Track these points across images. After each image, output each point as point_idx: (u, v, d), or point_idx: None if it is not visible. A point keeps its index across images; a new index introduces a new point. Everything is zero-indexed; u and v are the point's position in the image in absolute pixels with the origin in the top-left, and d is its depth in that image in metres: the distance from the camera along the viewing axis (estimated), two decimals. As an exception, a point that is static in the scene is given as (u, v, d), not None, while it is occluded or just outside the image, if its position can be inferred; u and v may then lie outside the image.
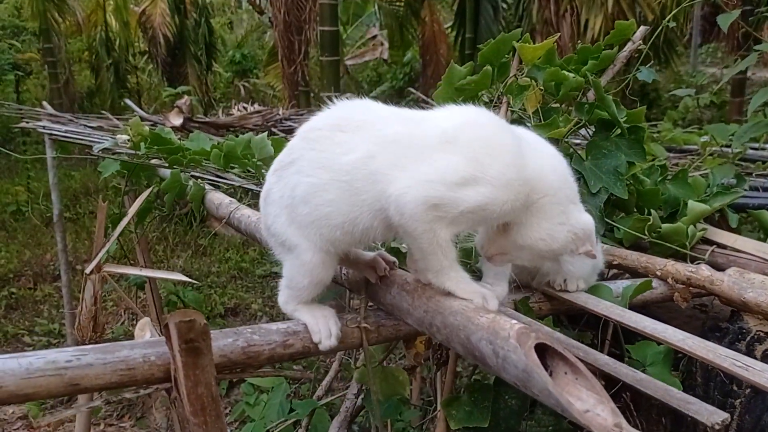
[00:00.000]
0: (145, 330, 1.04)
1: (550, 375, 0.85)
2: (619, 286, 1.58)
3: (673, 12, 2.56)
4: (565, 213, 1.10)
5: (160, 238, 8.49)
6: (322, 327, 1.15)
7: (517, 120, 1.94)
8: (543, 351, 0.88)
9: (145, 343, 1.01)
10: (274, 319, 7.13)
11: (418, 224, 1.01)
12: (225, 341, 1.06)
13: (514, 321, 0.92)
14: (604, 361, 1.08)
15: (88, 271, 1.25)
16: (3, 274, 7.67)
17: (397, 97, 13.05)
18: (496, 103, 2.00)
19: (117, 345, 0.99)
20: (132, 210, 1.33)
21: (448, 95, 1.99)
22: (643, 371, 1.43)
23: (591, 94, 2.01)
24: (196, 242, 8.76)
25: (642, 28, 2.08)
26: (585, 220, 1.12)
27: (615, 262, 1.75)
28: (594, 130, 1.92)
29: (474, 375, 1.95)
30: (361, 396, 2.09)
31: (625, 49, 2.07)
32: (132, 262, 5.40)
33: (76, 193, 10.14)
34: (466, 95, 1.98)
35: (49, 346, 6.29)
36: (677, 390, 1.05)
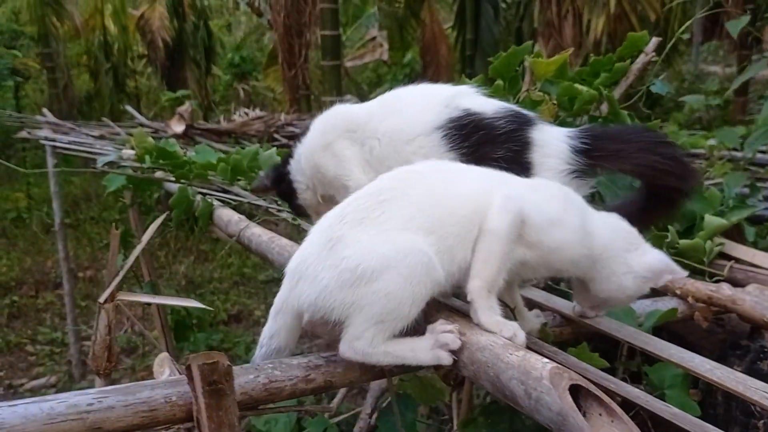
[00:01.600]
0: (164, 366, 1.01)
1: (584, 416, 0.83)
2: (639, 305, 1.56)
3: (677, 13, 2.53)
4: (626, 263, 1.16)
5: (162, 244, 8.46)
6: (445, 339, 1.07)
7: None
8: (575, 389, 0.86)
9: (166, 382, 0.98)
10: (277, 324, 7.11)
11: (504, 225, 1.08)
12: (246, 378, 1.04)
13: (545, 360, 0.90)
14: (636, 394, 1.05)
15: (101, 300, 1.23)
16: (4, 282, 7.65)
17: (397, 98, 13.01)
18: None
19: (138, 386, 0.97)
20: (145, 237, 1.30)
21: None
22: (661, 395, 1.42)
23: (604, 107, 1.99)
24: (197, 248, 8.74)
25: (654, 39, 2.06)
26: (649, 261, 1.18)
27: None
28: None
29: (489, 395, 1.93)
30: (375, 415, 2.07)
31: (637, 61, 2.04)
32: (134, 271, 5.39)
33: (76, 199, 10.11)
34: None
35: (52, 354, 6.27)
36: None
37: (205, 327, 5.50)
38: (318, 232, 1.14)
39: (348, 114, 1.49)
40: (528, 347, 1.26)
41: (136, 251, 1.33)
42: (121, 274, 1.26)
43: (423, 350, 1.07)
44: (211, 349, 5.58)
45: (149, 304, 3.20)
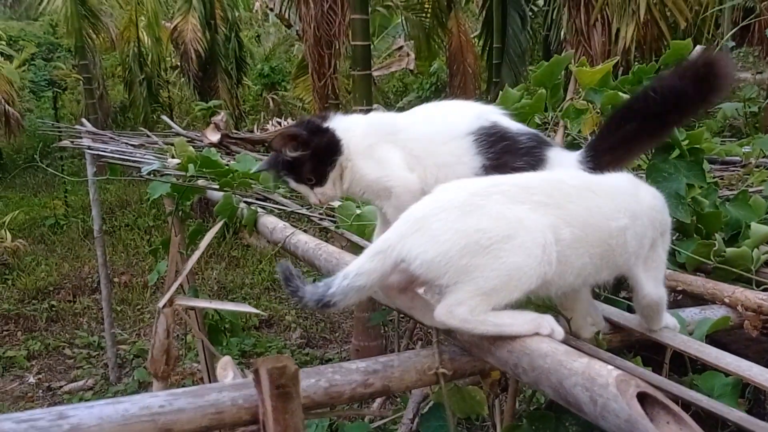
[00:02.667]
0: (227, 369, 1.05)
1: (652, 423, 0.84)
2: (687, 314, 1.56)
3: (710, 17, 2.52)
4: None
5: (194, 251, 8.59)
6: (544, 320, 1.10)
7: (573, 144, 1.93)
8: (641, 397, 0.87)
9: (232, 386, 1.01)
10: (307, 331, 7.20)
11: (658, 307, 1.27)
12: (308, 382, 1.06)
13: (610, 366, 0.91)
14: (696, 396, 1.06)
15: (160, 305, 1.27)
16: (43, 287, 7.84)
17: (424, 106, 13.03)
18: (550, 126, 1.99)
19: (205, 388, 1.00)
20: (203, 245, 1.34)
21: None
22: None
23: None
24: (229, 254, 8.86)
25: (699, 47, 2.05)
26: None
27: (679, 288, 1.72)
28: (653, 152, 1.90)
29: (533, 400, 1.94)
30: (416, 420, 2.09)
31: (681, 69, 2.03)
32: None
33: (111, 207, 10.33)
34: (521, 118, 1.97)
35: (89, 358, 6.40)
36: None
37: (238, 332, 5.57)
38: (454, 193, 1.14)
39: (389, 118, 1.59)
40: (584, 351, 1.27)
41: (194, 258, 1.37)
42: (180, 279, 1.31)
43: (523, 321, 1.09)
44: (243, 353, 5.65)
45: (194, 308, 3.26)
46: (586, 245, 1.13)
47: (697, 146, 1.86)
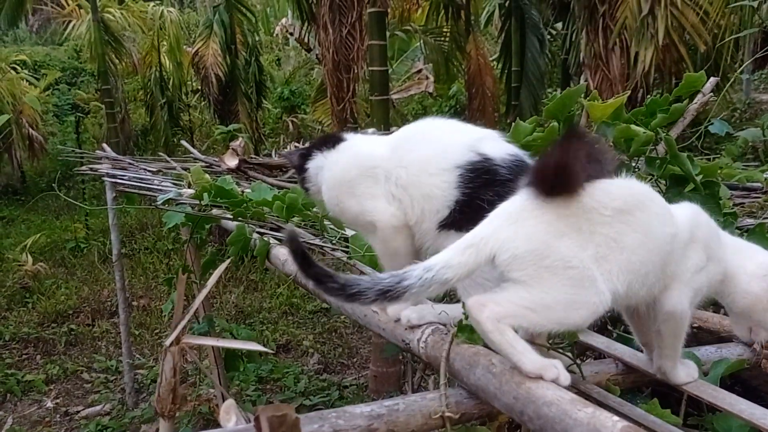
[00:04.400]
0: (230, 413, 1.04)
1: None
2: (704, 353, 1.52)
3: (727, 39, 2.49)
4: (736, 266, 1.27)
5: (207, 281, 8.63)
6: (551, 365, 1.08)
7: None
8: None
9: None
10: (325, 356, 7.16)
11: (680, 325, 1.22)
12: (311, 428, 1.05)
13: (616, 417, 0.89)
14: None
15: (167, 343, 1.27)
16: (63, 311, 7.91)
17: (442, 129, 13.07)
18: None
19: (208, 433, 1.00)
20: (211, 282, 1.35)
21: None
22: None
23: (661, 147, 1.97)
24: (247, 278, 8.88)
25: (712, 79, 2.04)
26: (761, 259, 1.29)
27: (695, 325, 1.69)
28: (666, 185, 1.88)
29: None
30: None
31: (695, 101, 2.02)
32: (191, 302, 5.51)
33: (131, 230, 10.43)
34: (533, 151, 1.97)
35: (107, 383, 6.43)
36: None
37: (255, 357, 5.56)
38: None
39: (368, 153, 1.57)
40: (592, 397, 1.25)
41: (201, 296, 1.37)
42: (186, 318, 1.31)
43: (533, 359, 1.07)
44: (260, 379, 5.62)
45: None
46: (648, 252, 1.13)
47: (712, 179, 1.83)
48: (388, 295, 1.09)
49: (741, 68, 2.25)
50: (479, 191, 1.36)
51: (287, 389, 6.03)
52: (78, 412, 5.88)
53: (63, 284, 8.66)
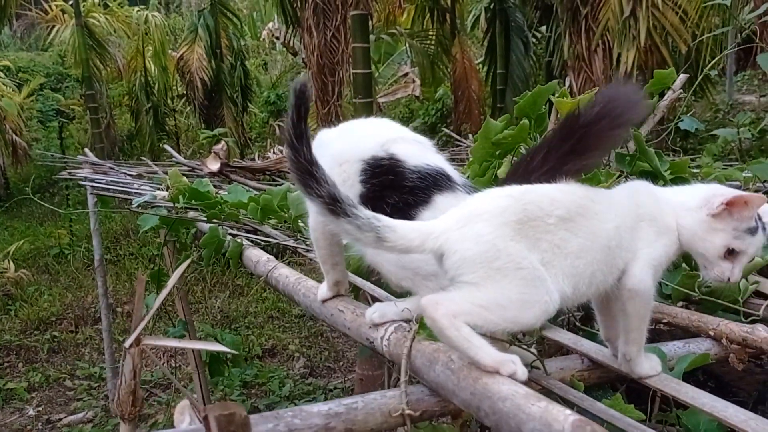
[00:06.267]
0: (184, 414, 1.02)
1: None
2: (672, 348, 1.52)
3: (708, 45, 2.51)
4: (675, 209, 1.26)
5: (198, 279, 8.59)
6: (508, 360, 1.07)
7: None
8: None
9: None
10: (311, 360, 7.13)
11: (645, 302, 1.21)
12: (265, 427, 1.03)
13: (568, 411, 0.88)
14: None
15: (127, 344, 1.25)
16: (46, 318, 7.83)
17: (429, 132, 13.13)
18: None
19: (158, 434, 0.98)
20: (170, 282, 1.33)
21: (485, 150, 1.97)
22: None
23: (632, 144, 1.97)
24: (233, 282, 8.84)
25: (682, 76, 2.04)
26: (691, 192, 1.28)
27: (665, 320, 1.69)
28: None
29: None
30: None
31: (665, 98, 2.03)
32: (171, 306, 5.46)
33: (116, 235, 10.36)
34: (503, 149, 1.96)
35: (90, 390, 6.36)
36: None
37: (240, 362, 5.53)
38: (506, 196, 1.14)
39: (322, 134, 1.56)
40: (554, 393, 1.24)
41: (161, 296, 1.35)
42: (146, 318, 1.28)
43: (490, 352, 1.06)
44: (245, 384, 5.58)
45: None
46: (592, 254, 1.14)
47: (682, 176, 1.84)
48: (336, 206, 1.08)
49: (710, 65, 2.27)
50: (384, 191, 1.33)
51: (272, 393, 6.00)
52: (60, 419, 5.81)
53: (46, 291, 8.57)
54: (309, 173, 1.09)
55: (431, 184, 1.34)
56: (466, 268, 1.07)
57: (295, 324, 7.81)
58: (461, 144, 6.26)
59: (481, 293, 1.06)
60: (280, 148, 6.82)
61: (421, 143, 1.45)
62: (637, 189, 1.30)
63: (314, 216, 1.45)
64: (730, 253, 1.22)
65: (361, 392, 5.86)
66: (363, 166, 1.37)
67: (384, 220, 1.11)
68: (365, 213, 1.10)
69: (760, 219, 1.23)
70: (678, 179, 1.82)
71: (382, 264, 1.34)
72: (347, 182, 1.36)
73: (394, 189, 1.33)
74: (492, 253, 1.06)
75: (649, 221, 1.22)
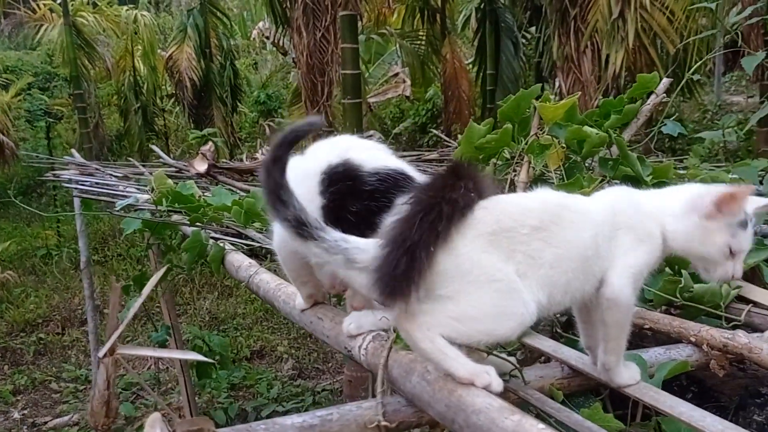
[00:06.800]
0: (155, 427, 1.00)
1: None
2: (652, 354, 1.51)
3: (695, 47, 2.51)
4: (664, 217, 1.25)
5: (187, 281, 8.54)
6: (483, 371, 1.06)
7: (540, 178, 1.90)
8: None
9: (155, 445, 0.97)
10: (300, 361, 7.11)
11: (624, 312, 1.19)
12: (238, 439, 1.02)
13: (541, 426, 0.87)
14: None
15: (101, 354, 1.23)
16: (32, 320, 7.77)
17: (419, 132, 13.13)
18: (517, 160, 1.97)
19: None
20: (145, 291, 1.31)
21: (468, 154, 1.96)
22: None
23: (615, 148, 1.96)
24: (222, 283, 8.80)
25: (665, 80, 2.04)
26: (678, 197, 1.26)
27: (647, 326, 1.68)
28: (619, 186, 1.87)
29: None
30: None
31: (648, 102, 2.02)
32: (158, 307, 5.42)
33: (104, 236, 10.29)
34: (487, 153, 1.96)
35: (76, 392, 6.31)
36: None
37: (228, 364, 5.49)
38: (480, 209, 1.10)
39: (292, 161, 1.52)
40: (532, 404, 1.23)
41: (136, 305, 1.33)
42: (120, 328, 1.26)
43: (465, 363, 1.06)
44: (232, 386, 5.54)
45: (167, 344, 3.21)
46: (568, 261, 1.12)
47: (663, 180, 1.83)
48: (303, 229, 1.07)
49: (693, 69, 2.27)
50: (344, 200, 1.30)
51: (260, 396, 5.97)
52: (46, 422, 5.77)
53: (33, 293, 8.51)
54: (277, 196, 1.08)
55: (392, 185, 1.31)
56: (440, 282, 1.05)
57: (283, 325, 7.78)
58: (450, 145, 6.25)
59: (455, 306, 1.04)
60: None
61: (378, 149, 1.42)
62: (617, 196, 1.28)
63: (278, 236, 1.42)
64: (730, 251, 1.21)
65: (349, 394, 5.86)
66: (322, 177, 1.33)
67: (352, 241, 1.09)
68: (333, 235, 1.08)
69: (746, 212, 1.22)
70: (660, 184, 1.81)
71: (354, 278, 1.31)
72: (309, 197, 1.31)
73: (354, 196, 1.30)
74: (466, 266, 1.04)
75: (627, 229, 1.21)
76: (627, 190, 1.33)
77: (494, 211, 1.10)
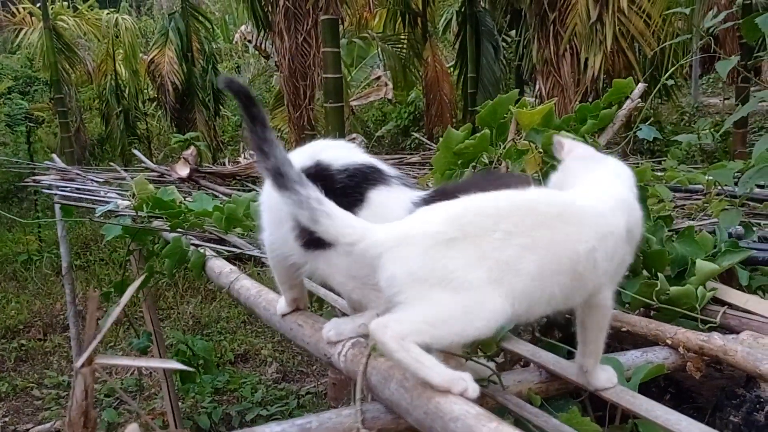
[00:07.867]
0: (133, 439, 1.00)
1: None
2: (630, 357, 1.53)
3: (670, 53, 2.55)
4: None
5: (170, 285, 8.48)
6: (460, 378, 1.05)
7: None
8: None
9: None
10: (284, 365, 7.08)
11: (605, 315, 1.22)
12: (217, 448, 1.02)
13: (516, 432, 0.89)
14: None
15: (78, 364, 1.22)
16: (13, 326, 7.67)
17: (402, 135, 13.16)
18: (495, 165, 1.99)
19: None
20: (123, 300, 1.30)
21: (447, 159, 1.97)
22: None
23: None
24: (205, 287, 8.74)
25: (640, 85, 2.07)
26: None
27: (624, 329, 1.70)
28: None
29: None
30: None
31: (624, 107, 2.05)
32: (141, 312, 5.38)
33: (86, 241, 10.18)
34: (465, 158, 1.97)
35: (58, 399, 6.24)
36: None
37: (212, 368, 5.46)
38: (440, 217, 1.08)
39: None
40: (510, 410, 1.24)
41: (114, 314, 1.32)
42: (98, 338, 1.25)
43: (441, 371, 1.05)
44: (216, 390, 5.52)
45: (149, 350, 3.19)
46: (554, 274, 1.08)
47: (641, 185, 1.85)
48: (281, 180, 1.10)
49: (668, 74, 2.30)
50: None
51: (244, 399, 5.95)
52: (27, 430, 5.70)
53: (14, 298, 8.40)
54: (260, 149, 1.11)
55: (362, 180, 1.32)
56: (405, 286, 1.05)
57: (267, 329, 7.74)
58: (432, 148, 6.28)
59: (424, 310, 1.04)
60: (251, 152, 6.77)
61: (349, 147, 1.44)
62: (629, 205, 1.25)
63: (268, 240, 1.43)
64: None
65: (334, 396, 5.85)
66: None
67: (327, 205, 1.11)
68: (309, 192, 1.10)
69: None
70: (639, 187, 1.84)
71: (333, 276, 1.32)
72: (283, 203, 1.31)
73: (327, 194, 1.27)
74: (431, 269, 1.04)
75: (631, 239, 1.23)
76: (633, 197, 1.32)
77: (462, 215, 1.08)
